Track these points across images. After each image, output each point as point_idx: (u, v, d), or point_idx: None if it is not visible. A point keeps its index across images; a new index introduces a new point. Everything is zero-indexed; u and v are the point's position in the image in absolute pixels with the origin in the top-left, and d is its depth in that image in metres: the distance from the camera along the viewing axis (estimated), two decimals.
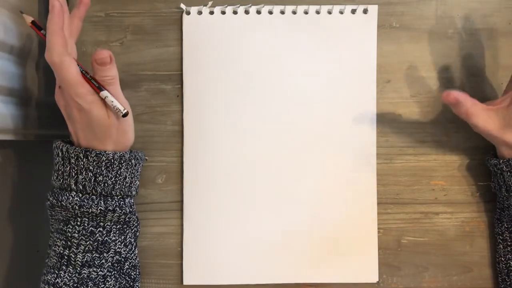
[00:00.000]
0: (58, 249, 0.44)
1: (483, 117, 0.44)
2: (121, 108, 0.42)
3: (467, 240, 0.51)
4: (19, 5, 0.48)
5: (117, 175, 0.44)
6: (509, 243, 0.47)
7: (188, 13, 0.50)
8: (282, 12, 0.50)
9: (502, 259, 0.48)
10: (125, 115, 0.42)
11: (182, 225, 0.50)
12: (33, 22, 0.42)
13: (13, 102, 0.47)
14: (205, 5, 0.50)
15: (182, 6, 0.50)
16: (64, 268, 0.43)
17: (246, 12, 0.50)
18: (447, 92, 0.44)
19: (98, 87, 0.42)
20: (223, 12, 0.50)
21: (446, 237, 0.51)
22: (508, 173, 0.45)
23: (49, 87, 0.53)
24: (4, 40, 0.46)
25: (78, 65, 0.41)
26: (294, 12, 0.50)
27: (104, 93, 0.42)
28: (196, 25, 0.50)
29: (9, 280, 0.51)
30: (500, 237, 0.48)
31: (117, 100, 0.43)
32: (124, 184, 0.45)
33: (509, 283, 0.47)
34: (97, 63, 0.42)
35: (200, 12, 0.50)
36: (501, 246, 0.48)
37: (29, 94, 0.51)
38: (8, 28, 0.46)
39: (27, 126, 0.50)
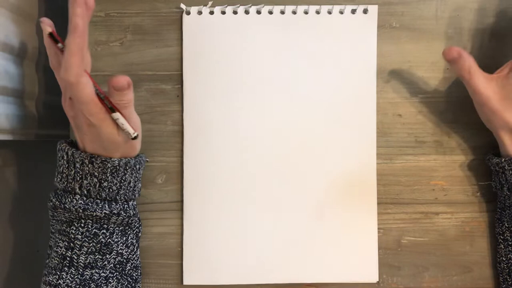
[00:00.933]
0: (60, 250, 0.43)
1: (484, 81, 0.43)
2: (131, 131, 0.42)
3: (467, 240, 0.51)
4: (19, 5, 0.48)
5: (122, 181, 0.44)
6: (510, 243, 0.47)
7: (188, 13, 0.50)
8: (282, 12, 0.50)
9: (504, 259, 0.48)
10: (134, 138, 0.42)
11: (182, 225, 0.50)
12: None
13: (13, 102, 0.47)
14: (205, 5, 0.50)
15: (182, 6, 0.50)
16: (66, 269, 0.43)
17: (246, 12, 0.50)
18: (449, 47, 0.43)
19: (110, 108, 0.41)
20: (223, 12, 0.50)
21: (446, 237, 0.51)
22: (511, 172, 0.45)
23: (49, 87, 0.54)
24: (4, 40, 0.46)
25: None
26: (294, 12, 0.50)
27: (115, 115, 0.41)
28: (196, 25, 0.50)
29: (9, 280, 0.51)
30: (501, 236, 0.48)
31: (129, 121, 0.42)
32: (128, 188, 0.45)
33: (510, 282, 0.47)
34: (115, 89, 0.40)
35: (200, 12, 0.50)
36: (502, 246, 0.48)
37: (29, 94, 0.51)
38: (8, 28, 0.46)
39: (27, 126, 0.50)
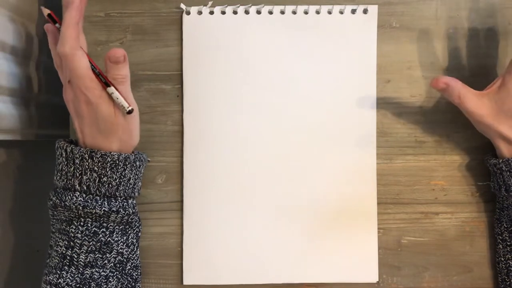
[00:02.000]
0: (60, 249, 0.43)
1: (475, 101, 0.44)
2: (126, 105, 0.42)
3: (467, 240, 0.51)
4: (19, 5, 0.48)
5: (122, 177, 0.44)
6: (508, 243, 0.47)
7: (188, 13, 0.50)
8: (282, 12, 0.50)
9: (502, 259, 0.48)
10: (129, 112, 0.42)
11: (182, 225, 0.50)
12: (49, 15, 0.42)
13: (14, 102, 0.47)
14: (205, 5, 0.50)
15: (182, 6, 0.50)
16: (67, 268, 0.43)
17: (246, 12, 0.50)
18: (436, 79, 0.45)
19: (105, 82, 0.42)
20: (223, 12, 0.50)
21: (446, 237, 0.51)
22: (508, 173, 0.45)
23: (49, 87, 0.54)
24: (4, 40, 0.46)
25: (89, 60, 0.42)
26: (294, 12, 0.50)
27: (110, 89, 0.42)
28: (196, 25, 0.50)
29: (9, 280, 0.51)
30: (500, 237, 0.48)
31: (126, 99, 0.43)
32: (128, 185, 0.45)
33: (509, 283, 0.47)
34: (110, 61, 0.42)
35: (200, 12, 0.50)
36: (500, 246, 0.48)
37: (30, 94, 0.51)
38: (8, 28, 0.46)
39: (27, 126, 0.50)
